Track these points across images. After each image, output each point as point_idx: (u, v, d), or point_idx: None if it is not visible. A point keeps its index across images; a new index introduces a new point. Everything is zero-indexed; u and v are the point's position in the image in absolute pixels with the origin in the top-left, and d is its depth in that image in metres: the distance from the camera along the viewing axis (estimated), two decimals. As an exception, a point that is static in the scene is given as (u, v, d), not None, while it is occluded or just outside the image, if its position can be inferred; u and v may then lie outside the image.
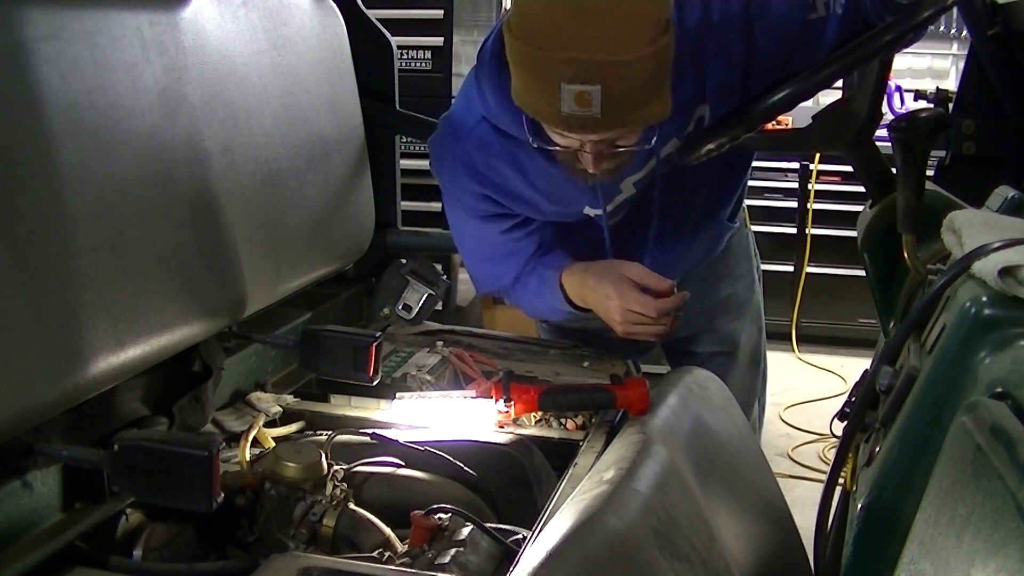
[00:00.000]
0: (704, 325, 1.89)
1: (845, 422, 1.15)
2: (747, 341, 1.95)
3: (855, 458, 1.14)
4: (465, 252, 1.73)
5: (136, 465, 1.08)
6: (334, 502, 1.22)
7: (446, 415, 1.44)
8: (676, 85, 1.37)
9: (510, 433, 1.43)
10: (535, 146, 1.38)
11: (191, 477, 1.07)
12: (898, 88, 4.37)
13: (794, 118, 3.74)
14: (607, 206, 1.59)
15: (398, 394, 1.40)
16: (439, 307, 2.24)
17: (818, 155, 4.46)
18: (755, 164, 1.85)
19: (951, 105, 1.99)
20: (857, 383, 1.19)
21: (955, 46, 5.26)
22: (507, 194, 1.55)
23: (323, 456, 1.27)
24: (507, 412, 1.37)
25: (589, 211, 1.62)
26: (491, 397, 1.37)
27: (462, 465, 1.35)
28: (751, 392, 1.99)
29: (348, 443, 1.41)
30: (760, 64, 1.48)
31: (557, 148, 1.36)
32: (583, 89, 1.20)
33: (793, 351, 4.68)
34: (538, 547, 0.96)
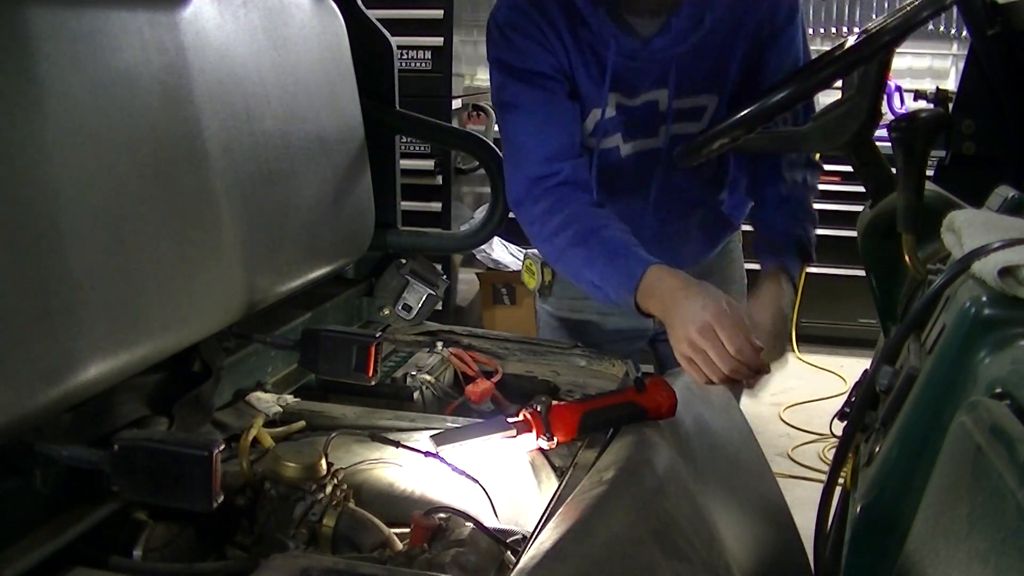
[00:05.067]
0: None
1: (845, 422, 1.15)
2: None
3: (855, 458, 1.14)
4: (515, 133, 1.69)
5: (136, 465, 1.08)
6: (334, 502, 1.22)
7: (488, 460, 1.37)
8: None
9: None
10: None
11: (191, 477, 1.07)
12: (898, 88, 4.38)
13: (794, 118, 3.74)
14: (615, 95, 1.64)
15: (431, 435, 1.33)
16: (439, 307, 2.24)
17: (818, 155, 4.46)
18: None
19: (951, 105, 1.99)
20: (857, 383, 1.19)
21: (955, 46, 5.27)
22: (554, 32, 1.62)
23: (323, 456, 1.27)
24: (550, 446, 1.35)
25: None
26: (530, 431, 1.34)
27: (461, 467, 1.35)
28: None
29: (348, 443, 1.41)
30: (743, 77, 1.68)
31: None
32: None
33: (793, 351, 4.69)
34: (538, 547, 0.96)
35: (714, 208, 1.85)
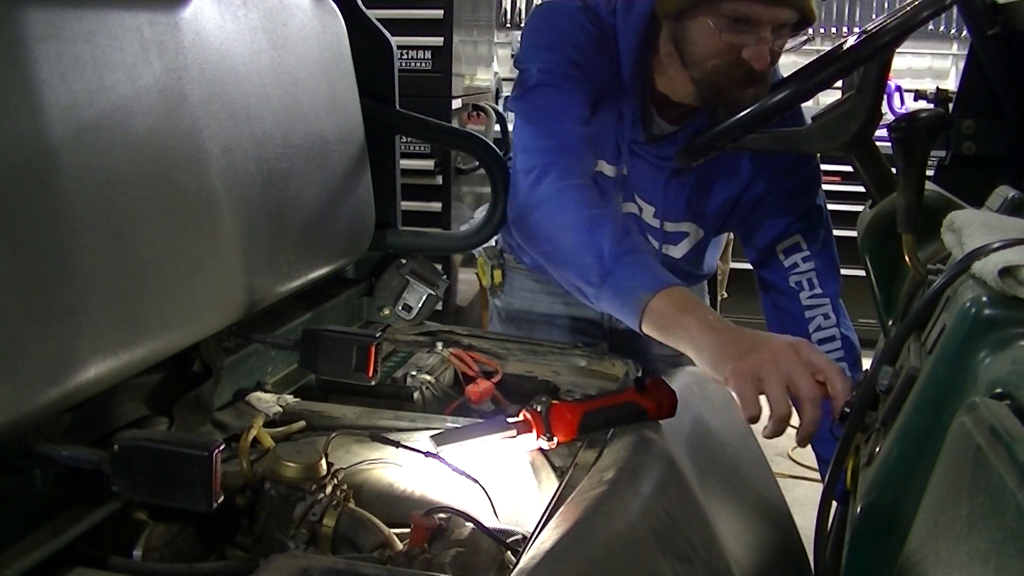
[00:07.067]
0: None
1: (845, 422, 1.15)
2: None
3: (855, 458, 1.14)
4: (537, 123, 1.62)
5: (136, 465, 1.08)
6: (334, 502, 1.22)
7: (489, 460, 1.36)
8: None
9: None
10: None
11: (191, 477, 1.07)
12: (898, 88, 4.38)
13: (794, 118, 3.74)
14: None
15: (431, 435, 1.33)
16: (439, 307, 2.24)
17: (818, 155, 4.46)
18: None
19: (951, 105, 1.99)
20: (857, 383, 1.19)
21: (955, 46, 5.27)
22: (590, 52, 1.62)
23: (323, 456, 1.27)
24: (550, 446, 1.35)
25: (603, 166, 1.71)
26: (530, 431, 1.34)
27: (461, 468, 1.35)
28: None
29: (348, 443, 1.41)
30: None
31: (738, 33, 1.48)
32: None
33: (793, 351, 4.67)
34: (538, 547, 0.96)
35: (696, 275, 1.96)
